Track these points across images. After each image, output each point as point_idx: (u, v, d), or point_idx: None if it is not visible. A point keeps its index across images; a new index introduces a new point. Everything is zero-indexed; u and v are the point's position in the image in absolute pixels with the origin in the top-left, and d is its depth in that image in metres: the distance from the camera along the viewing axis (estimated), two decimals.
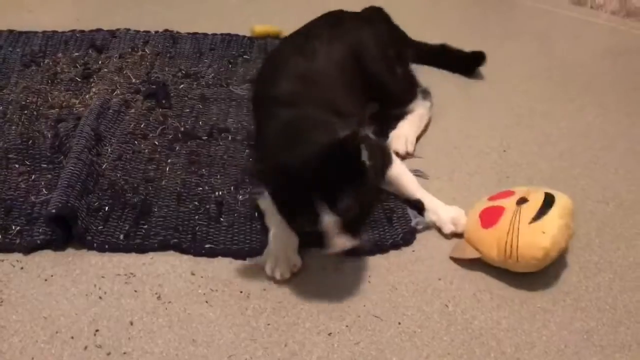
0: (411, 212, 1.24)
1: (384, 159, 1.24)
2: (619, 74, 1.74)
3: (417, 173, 1.32)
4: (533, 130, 1.51)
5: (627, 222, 1.27)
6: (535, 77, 1.70)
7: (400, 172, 1.26)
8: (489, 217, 1.15)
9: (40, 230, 1.15)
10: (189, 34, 1.71)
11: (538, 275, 1.15)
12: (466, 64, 1.64)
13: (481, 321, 1.07)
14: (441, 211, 1.21)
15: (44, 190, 1.23)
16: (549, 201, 1.14)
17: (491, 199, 1.20)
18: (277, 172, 1.02)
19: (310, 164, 0.98)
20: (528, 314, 1.08)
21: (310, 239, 1.07)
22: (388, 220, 1.22)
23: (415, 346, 1.03)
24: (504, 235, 1.11)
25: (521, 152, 1.43)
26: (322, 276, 1.13)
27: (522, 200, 1.15)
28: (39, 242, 1.13)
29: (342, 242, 1.03)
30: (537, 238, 1.10)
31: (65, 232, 1.14)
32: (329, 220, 1.00)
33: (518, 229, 1.11)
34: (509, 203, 1.16)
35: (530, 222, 1.11)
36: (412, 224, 1.22)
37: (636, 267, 1.18)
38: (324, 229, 1.01)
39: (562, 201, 1.15)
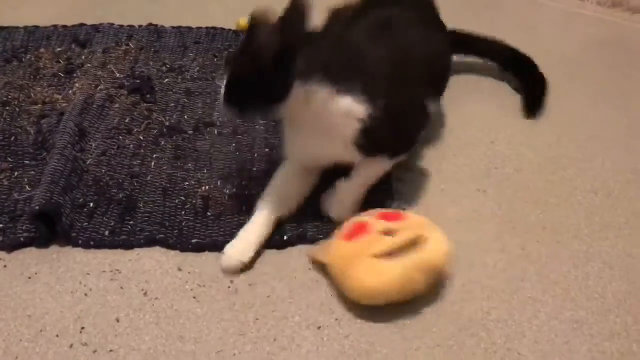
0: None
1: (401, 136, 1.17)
2: (606, 64, 1.74)
3: (405, 167, 1.31)
4: (520, 121, 1.50)
5: (614, 211, 1.27)
6: None
7: (374, 167, 1.17)
8: (353, 231, 1.07)
9: (24, 227, 1.13)
10: (173, 27, 1.69)
11: (528, 265, 1.15)
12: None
13: (471, 312, 1.07)
14: (335, 196, 1.17)
15: (27, 187, 1.20)
16: (412, 244, 1.03)
17: (380, 216, 1.10)
18: None
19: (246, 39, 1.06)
20: (518, 304, 1.08)
21: None
22: None
23: (405, 338, 1.02)
24: (347, 254, 1.04)
25: (509, 143, 1.43)
26: (311, 270, 1.12)
27: (391, 232, 1.04)
28: (22, 239, 1.11)
29: (223, 109, 1.10)
30: (366, 276, 1.02)
31: (49, 229, 1.12)
32: (220, 81, 1.09)
33: (358, 256, 1.03)
34: (376, 225, 1.06)
35: (376, 255, 1.02)
36: None
37: (625, 257, 1.18)
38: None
39: (426, 255, 1.03)
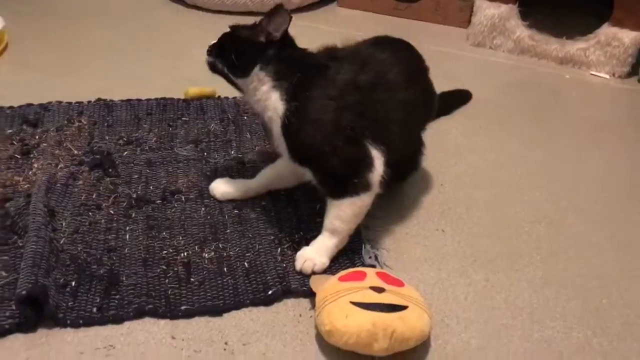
0: (365, 252, 1.31)
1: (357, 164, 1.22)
2: (525, 106, 1.94)
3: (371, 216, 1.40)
4: (462, 164, 1.64)
5: (559, 238, 1.42)
6: (454, 115, 1.84)
7: (338, 210, 1.23)
8: (350, 275, 1.17)
9: (7, 314, 1.11)
10: (122, 100, 1.72)
11: (494, 294, 1.26)
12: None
13: (453, 344, 1.15)
14: (307, 249, 1.26)
15: (3, 272, 1.19)
16: (393, 307, 1.08)
17: (381, 275, 1.17)
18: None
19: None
20: (493, 331, 1.18)
21: None
22: (350, 261, 1.28)
23: None
24: (332, 291, 1.12)
25: (456, 185, 1.56)
26: (300, 324, 1.17)
27: (380, 290, 1.11)
28: (7, 326, 1.09)
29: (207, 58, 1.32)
30: (335, 314, 1.07)
31: (36, 314, 1.11)
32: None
33: (340, 296, 1.10)
34: (371, 278, 1.15)
35: (352, 302, 1.08)
36: (365, 262, 1.29)
37: (575, 278, 1.32)
38: None
39: (399, 324, 1.06)
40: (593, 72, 2.13)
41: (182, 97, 1.77)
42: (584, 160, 1.70)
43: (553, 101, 1.99)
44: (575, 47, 2.13)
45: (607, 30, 2.07)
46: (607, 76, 2.11)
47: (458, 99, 1.87)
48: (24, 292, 1.09)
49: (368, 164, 1.22)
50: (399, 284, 1.16)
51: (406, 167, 1.45)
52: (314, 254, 1.25)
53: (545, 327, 1.20)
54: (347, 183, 1.22)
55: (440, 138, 1.71)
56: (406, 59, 1.37)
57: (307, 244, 1.28)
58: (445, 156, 1.66)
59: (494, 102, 1.94)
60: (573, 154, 1.72)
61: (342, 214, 1.24)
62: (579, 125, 1.86)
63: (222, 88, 1.77)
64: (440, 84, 1.91)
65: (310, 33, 2.18)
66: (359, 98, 1.23)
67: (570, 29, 2.19)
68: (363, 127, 1.22)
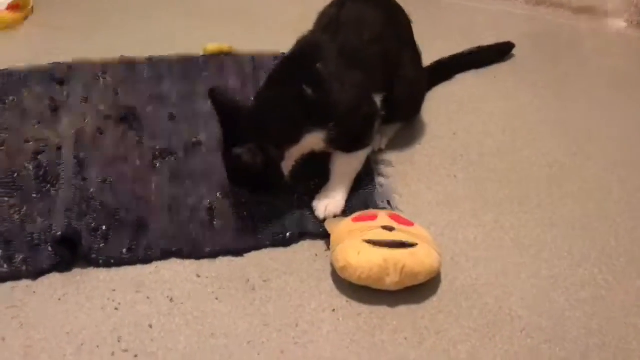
0: (378, 195, 1.36)
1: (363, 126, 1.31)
2: (540, 56, 1.95)
3: (384, 163, 1.46)
4: (476, 113, 1.67)
5: (569, 181, 1.46)
6: None
7: (345, 162, 1.32)
8: (362, 216, 1.24)
9: (45, 255, 1.20)
10: (145, 58, 1.78)
11: (503, 235, 1.31)
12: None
13: (462, 280, 1.21)
14: (323, 198, 1.31)
15: (39, 218, 1.27)
16: (403, 244, 1.15)
17: (392, 216, 1.24)
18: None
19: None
20: (501, 268, 1.24)
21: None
22: (363, 205, 1.34)
23: (410, 309, 1.16)
24: (346, 231, 1.19)
25: (469, 133, 1.60)
26: (316, 262, 1.24)
27: (390, 228, 1.18)
28: (45, 266, 1.18)
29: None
30: (349, 251, 1.14)
31: (70, 254, 1.19)
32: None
33: (353, 235, 1.17)
34: (382, 219, 1.21)
35: (364, 240, 1.15)
36: (378, 206, 1.33)
37: (582, 219, 1.36)
38: None
39: (410, 259, 1.13)
40: (610, 21, 2.12)
41: (202, 53, 1.81)
42: (597, 109, 1.71)
43: (569, 51, 2.00)
44: None
45: None
46: (625, 24, 2.10)
47: (499, 52, 1.89)
48: (59, 234, 1.17)
49: (377, 116, 1.31)
50: (409, 224, 1.22)
51: (406, 108, 1.51)
52: (332, 198, 1.31)
53: (552, 265, 1.25)
54: (360, 139, 1.30)
55: (454, 88, 1.74)
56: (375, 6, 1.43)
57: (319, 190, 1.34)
58: (459, 105, 1.69)
59: (510, 53, 1.94)
60: (587, 103, 1.74)
61: (353, 162, 1.32)
62: (595, 75, 1.87)
63: (240, 45, 1.84)
64: (456, 37, 1.95)
65: None
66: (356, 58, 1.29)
67: None
68: (370, 83, 1.30)
